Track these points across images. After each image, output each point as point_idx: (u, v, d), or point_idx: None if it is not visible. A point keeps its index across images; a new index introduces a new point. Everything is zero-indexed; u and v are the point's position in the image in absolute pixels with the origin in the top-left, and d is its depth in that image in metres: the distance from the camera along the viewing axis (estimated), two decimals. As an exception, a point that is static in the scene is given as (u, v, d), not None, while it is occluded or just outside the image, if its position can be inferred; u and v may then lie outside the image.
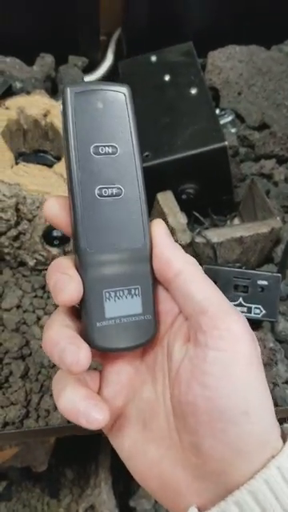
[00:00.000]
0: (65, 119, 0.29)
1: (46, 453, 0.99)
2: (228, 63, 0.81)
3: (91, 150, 0.29)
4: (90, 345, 0.29)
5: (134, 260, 0.31)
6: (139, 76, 0.75)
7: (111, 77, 0.83)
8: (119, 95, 0.31)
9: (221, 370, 0.27)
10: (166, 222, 0.62)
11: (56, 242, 0.57)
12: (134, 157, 0.31)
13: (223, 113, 0.80)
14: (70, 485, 1.07)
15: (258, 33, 0.83)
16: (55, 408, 0.54)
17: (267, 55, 0.80)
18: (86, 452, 1.06)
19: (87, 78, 0.80)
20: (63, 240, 0.57)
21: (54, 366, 0.56)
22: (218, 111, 0.82)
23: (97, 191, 0.30)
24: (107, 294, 0.30)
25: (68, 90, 0.29)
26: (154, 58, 0.77)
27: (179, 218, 0.62)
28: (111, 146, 0.30)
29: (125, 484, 1.05)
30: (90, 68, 0.82)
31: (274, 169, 0.73)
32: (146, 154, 0.63)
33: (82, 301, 0.30)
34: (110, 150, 0.30)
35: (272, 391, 0.57)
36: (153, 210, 0.66)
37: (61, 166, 0.58)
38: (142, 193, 0.31)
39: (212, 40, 0.84)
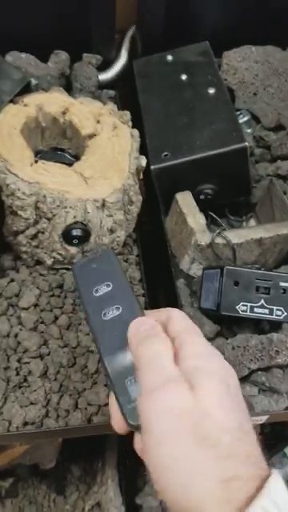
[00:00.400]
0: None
1: (55, 450, 0.98)
2: (243, 63, 0.80)
3: (93, 291, 0.44)
4: (128, 426, 0.38)
5: None
6: (155, 75, 0.75)
7: (125, 75, 0.82)
8: (106, 253, 0.47)
9: None
10: (185, 223, 0.62)
11: (75, 242, 0.56)
12: (128, 288, 0.44)
13: (238, 113, 0.80)
14: (76, 482, 1.06)
15: (273, 33, 0.83)
16: (75, 408, 0.54)
17: (283, 56, 0.80)
18: (93, 449, 1.06)
19: (102, 77, 0.80)
20: (82, 239, 0.56)
21: (73, 365, 0.56)
22: (232, 111, 0.82)
23: (103, 316, 0.42)
24: (128, 382, 0.39)
25: (73, 266, 0.46)
26: (169, 58, 0.76)
27: (199, 219, 0.61)
28: (106, 284, 0.44)
29: (131, 481, 1.05)
30: (103, 66, 0.82)
31: (290, 170, 0.73)
32: (165, 153, 0.63)
33: (113, 392, 0.39)
34: (107, 289, 0.44)
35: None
36: (170, 210, 0.66)
37: (81, 165, 0.57)
38: (138, 306, 0.42)
39: (227, 40, 0.83)
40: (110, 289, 0.44)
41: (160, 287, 0.69)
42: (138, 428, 0.38)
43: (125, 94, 0.81)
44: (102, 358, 0.41)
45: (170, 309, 0.39)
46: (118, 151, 0.59)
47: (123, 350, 0.41)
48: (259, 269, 0.60)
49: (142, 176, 0.67)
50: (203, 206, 0.67)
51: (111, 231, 0.58)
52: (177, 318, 0.38)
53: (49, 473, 1.04)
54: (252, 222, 0.73)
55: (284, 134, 0.74)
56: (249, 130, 0.78)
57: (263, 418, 0.56)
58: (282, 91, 0.78)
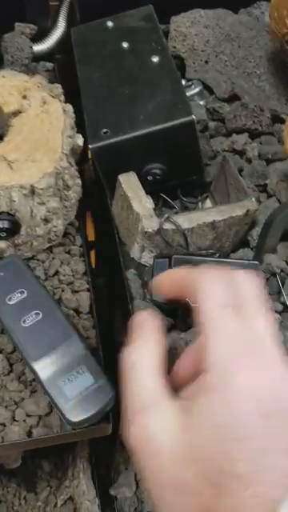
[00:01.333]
0: None
1: (18, 451, 0.93)
2: (193, 29, 0.74)
3: (6, 299, 0.46)
4: (68, 424, 0.42)
5: (70, 349, 0.44)
6: (94, 43, 0.67)
7: (64, 45, 0.75)
8: (13, 261, 0.50)
9: None
10: (131, 208, 0.56)
11: (3, 234, 0.50)
12: (44, 293, 0.47)
13: (190, 83, 0.74)
14: (47, 477, 1.02)
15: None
16: (12, 420, 0.48)
17: (235, 19, 0.74)
18: (63, 443, 1.01)
19: (37, 48, 0.72)
20: (11, 231, 0.50)
21: (9, 373, 0.50)
22: (184, 82, 0.75)
23: (22, 323, 0.44)
24: (62, 383, 0.42)
25: None
26: (110, 24, 0.69)
27: (145, 203, 0.55)
28: (20, 291, 0.46)
29: (105, 473, 1.01)
30: (40, 36, 0.74)
31: (247, 144, 0.67)
32: (105, 130, 0.56)
33: (48, 395, 0.43)
34: (22, 296, 0.46)
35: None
36: (115, 193, 0.59)
37: (4, 148, 0.50)
38: (58, 309, 0.46)
39: (175, 3, 0.76)
40: (24, 296, 0.46)
41: (109, 279, 0.63)
42: (77, 425, 0.42)
43: (65, 65, 0.74)
44: (30, 364, 0.43)
45: (197, 276, 0.30)
46: (48, 129, 0.52)
47: (51, 352, 0.43)
48: (214, 253, 0.55)
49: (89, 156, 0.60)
50: (153, 188, 0.61)
51: (46, 221, 0.52)
52: (201, 297, 0.29)
53: (18, 470, 0.99)
54: (208, 202, 0.67)
55: (238, 104, 0.68)
56: (201, 102, 0.72)
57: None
58: (235, 58, 0.72)
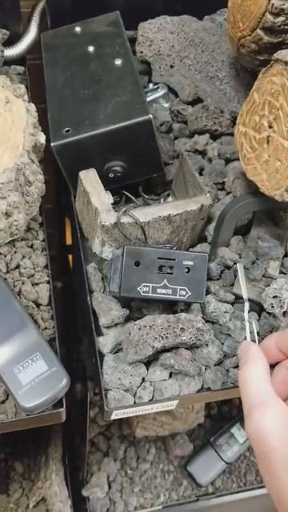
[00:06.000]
0: None
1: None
2: (159, 34, 0.76)
3: None
4: (22, 410, 0.45)
5: (25, 338, 0.47)
6: (62, 48, 0.70)
7: (36, 50, 0.77)
8: None
9: None
10: (90, 203, 0.58)
11: None
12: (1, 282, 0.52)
13: (156, 87, 0.76)
14: (19, 479, 1.03)
15: (190, 2, 0.79)
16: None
17: (199, 25, 0.77)
18: (36, 445, 1.03)
19: (8, 52, 0.75)
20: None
21: None
22: (151, 85, 0.78)
23: None
24: (17, 370, 0.45)
25: None
26: (78, 29, 0.72)
27: (103, 198, 0.58)
28: None
29: (78, 473, 1.02)
30: (12, 41, 0.76)
31: (208, 144, 0.70)
32: (67, 129, 0.59)
33: (2, 382, 0.45)
34: None
35: (203, 374, 0.55)
36: (77, 190, 0.62)
37: None
38: (14, 298, 0.50)
39: (143, 11, 0.79)
40: None
41: (70, 274, 0.65)
42: (31, 411, 0.44)
43: (35, 69, 0.76)
44: None
45: None
46: (11, 127, 0.54)
47: (6, 341, 0.47)
48: (171, 248, 0.57)
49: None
50: (114, 185, 0.64)
51: (7, 215, 0.54)
52: None
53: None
54: (170, 199, 0.69)
55: (200, 106, 0.71)
56: (166, 105, 0.75)
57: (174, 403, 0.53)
58: (198, 62, 0.75)
